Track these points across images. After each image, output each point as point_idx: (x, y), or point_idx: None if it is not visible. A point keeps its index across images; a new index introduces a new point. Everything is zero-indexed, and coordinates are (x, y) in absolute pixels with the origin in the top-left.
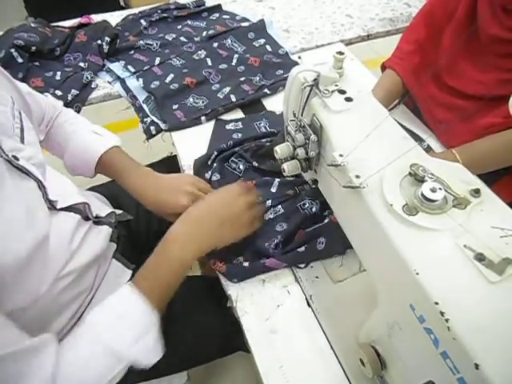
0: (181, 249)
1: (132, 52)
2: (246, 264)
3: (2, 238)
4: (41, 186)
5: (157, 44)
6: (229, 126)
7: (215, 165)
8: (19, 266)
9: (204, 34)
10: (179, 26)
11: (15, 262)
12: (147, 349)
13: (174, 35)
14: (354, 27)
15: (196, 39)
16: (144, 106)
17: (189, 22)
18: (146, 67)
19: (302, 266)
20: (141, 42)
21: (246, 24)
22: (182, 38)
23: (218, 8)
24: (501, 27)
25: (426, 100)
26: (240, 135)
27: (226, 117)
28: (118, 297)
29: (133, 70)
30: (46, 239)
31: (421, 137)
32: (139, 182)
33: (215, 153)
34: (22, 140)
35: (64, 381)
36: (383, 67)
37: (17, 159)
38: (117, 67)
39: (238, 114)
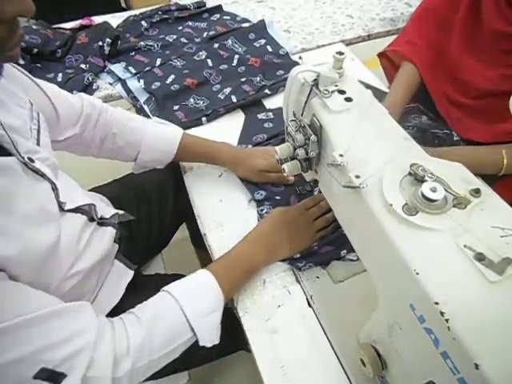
0: (253, 250)
1: (133, 53)
2: (297, 255)
3: (19, 236)
4: (54, 188)
5: (157, 45)
6: (260, 116)
7: None
8: (35, 264)
9: (205, 34)
10: (180, 27)
11: (32, 259)
12: (211, 326)
13: (174, 36)
14: (355, 27)
15: (197, 40)
16: (145, 106)
17: (189, 23)
18: (146, 68)
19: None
20: (141, 43)
21: (246, 25)
22: (182, 39)
23: (218, 9)
24: (505, 22)
25: (440, 97)
26: (271, 125)
27: (226, 117)
28: (195, 276)
29: (134, 71)
30: (58, 239)
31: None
32: (230, 155)
33: (250, 146)
34: (38, 142)
35: (135, 337)
36: (381, 55)
37: (32, 161)
38: (118, 68)
39: (239, 115)
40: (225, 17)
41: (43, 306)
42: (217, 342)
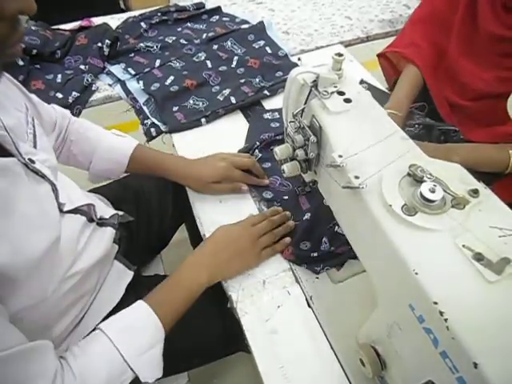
0: (194, 275)
1: (132, 54)
2: (314, 254)
3: (17, 239)
4: (54, 189)
5: (157, 46)
6: (266, 116)
7: (260, 155)
8: (32, 266)
9: (204, 36)
10: (179, 29)
11: (29, 261)
12: (152, 362)
13: (174, 37)
14: (354, 29)
15: (196, 41)
16: (144, 108)
17: (189, 25)
18: (146, 69)
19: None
20: (141, 44)
21: (245, 26)
22: (182, 41)
23: (217, 10)
24: (501, 25)
25: (441, 100)
26: (278, 124)
27: (225, 118)
28: (131, 309)
29: (133, 72)
30: (58, 240)
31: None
32: (179, 168)
33: (257, 143)
34: (35, 145)
35: (71, 380)
36: (381, 56)
37: (33, 162)
38: (117, 69)
39: (238, 116)
40: (224, 18)
41: (6, 347)
42: (159, 376)
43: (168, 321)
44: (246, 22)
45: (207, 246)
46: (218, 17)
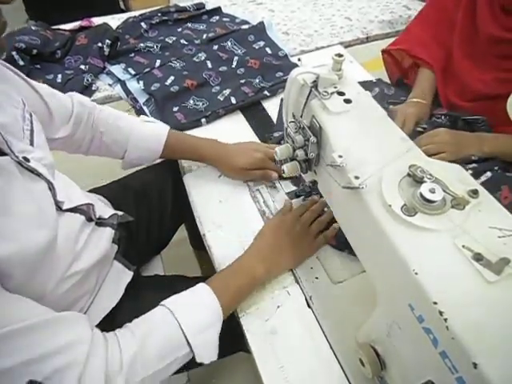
0: (252, 265)
1: (132, 55)
2: None
3: (12, 237)
4: (51, 187)
5: (157, 46)
6: None
7: None
8: (28, 264)
9: (204, 36)
10: (179, 29)
11: (25, 259)
12: (209, 342)
13: (174, 38)
14: (353, 29)
15: (196, 42)
16: (144, 108)
17: (189, 25)
18: (146, 70)
19: None
20: (141, 44)
21: (245, 26)
22: (182, 41)
23: (217, 11)
24: (500, 27)
25: (445, 101)
26: None
27: (225, 118)
28: (193, 290)
29: (133, 72)
30: (55, 239)
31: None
32: (215, 152)
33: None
34: (32, 142)
35: (128, 351)
36: (385, 52)
37: (27, 160)
38: (117, 70)
39: (238, 116)
40: (224, 18)
41: (32, 316)
42: (214, 358)
43: (226, 305)
44: (246, 22)
45: (263, 239)
46: (217, 17)
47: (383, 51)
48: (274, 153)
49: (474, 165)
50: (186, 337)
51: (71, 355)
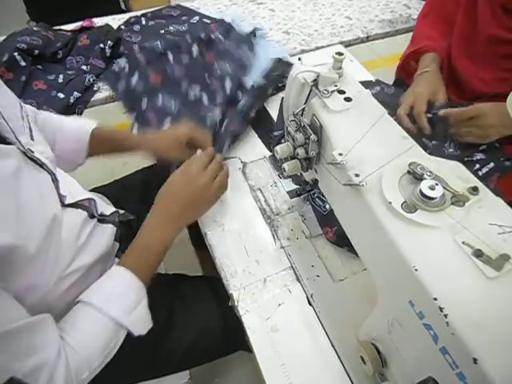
0: (157, 238)
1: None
2: None
3: (20, 222)
4: (54, 180)
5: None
6: None
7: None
8: (34, 250)
9: (188, 37)
10: (162, 31)
11: (29, 245)
12: (141, 317)
13: (158, 43)
14: (354, 29)
15: (182, 48)
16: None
17: (171, 28)
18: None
19: None
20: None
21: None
22: (167, 51)
23: (193, 12)
24: (500, 27)
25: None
26: None
27: None
28: (111, 276)
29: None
30: (59, 231)
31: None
32: (143, 138)
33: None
34: (32, 138)
35: (72, 353)
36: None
37: (32, 152)
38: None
39: None
40: (204, 19)
41: (11, 320)
42: (150, 325)
43: (146, 279)
44: (225, 22)
45: (162, 203)
46: (197, 17)
47: (399, 70)
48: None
49: (481, 155)
50: (120, 323)
51: (45, 354)
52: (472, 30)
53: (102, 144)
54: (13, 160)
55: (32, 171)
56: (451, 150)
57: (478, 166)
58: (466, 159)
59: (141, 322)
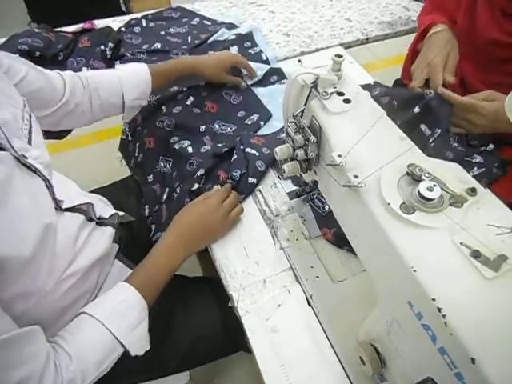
0: (169, 259)
1: (118, 62)
2: None
3: (9, 231)
4: (48, 185)
5: (143, 53)
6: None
7: None
8: (26, 256)
9: (189, 38)
10: (162, 32)
11: (21, 254)
12: (140, 337)
13: (159, 44)
14: (353, 31)
15: (183, 47)
16: None
17: (171, 30)
18: None
19: None
20: (126, 53)
21: (234, 32)
22: (167, 48)
23: (193, 13)
24: (500, 31)
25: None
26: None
27: None
28: (116, 290)
29: None
30: (54, 236)
31: None
32: (192, 58)
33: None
34: (30, 141)
35: (67, 362)
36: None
37: (25, 158)
38: None
39: None
40: (204, 21)
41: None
42: (148, 348)
43: (150, 299)
44: (225, 23)
45: (179, 227)
46: (198, 19)
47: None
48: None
49: (480, 158)
50: (118, 340)
51: (32, 367)
52: (471, 32)
53: (160, 77)
54: (3, 166)
55: (25, 177)
56: (456, 145)
57: (475, 169)
58: (465, 159)
59: (138, 343)
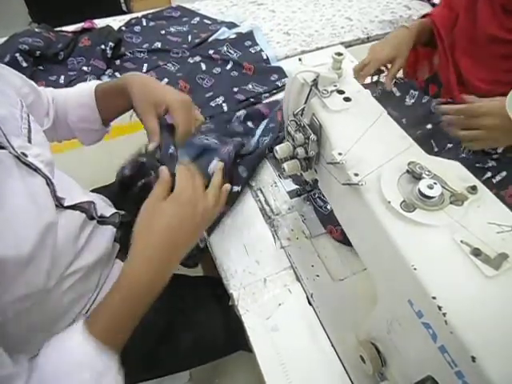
0: (145, 288)
1: (118, 62)
2: None
3: (7, 231)
4: (49, 183)
5: (144, 52)
6: None
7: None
8: (25, 257)
9: (189, 37)
10: (162, 31)
11: (20, 254)
12: None
13: (159, 43)
14: (354, 29)
15: (184, 45)
16: None
17: (172, 29)
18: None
19: None
20: (127, 52)
21: (234, 30)
22: (167, 47)
23: (193, 12)
24: (500, 28)
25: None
26: None
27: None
28: (68, 339)
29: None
30: (54, 235)
31: None
32: (137, 89)
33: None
34: (30, 140)
35: None
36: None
37: (25, 156)
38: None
39: None
40: (205, 20)
41: None
42: None
43: (120, 341)
44: (225, 23)
45: (154, 237)
46: (198, 18)
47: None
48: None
49: (493, 163)
50: None
51: None
52: (472, 28)
53: (108, 99)
54: (1, 165)
55: (24, 176)
56: (464, 156)
57: (489, 173)
58: (477, 165)
59: None
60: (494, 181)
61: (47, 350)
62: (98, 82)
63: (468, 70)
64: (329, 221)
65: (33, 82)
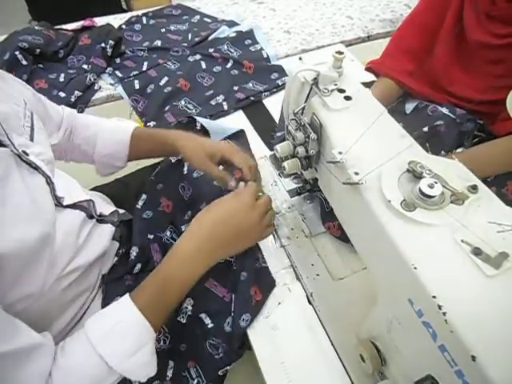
0: (187, 269)
1: (118, 60)
2: None
3: (8, 227)
4: (49, 182)
5: (144, 51)
6: None
7: None
8: (25, 256)
9: (189, 36)
10: (162, 30)
11: (21, 250)
12: (141, 363)
13: (159, 41)
14: (355, 28)
15: (184, 44)
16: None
17: (171, 28)
18: (134, 73)
19: None
20: (127, 50)
21: (234, 29)
22: (167, 45)
23: (194, 10)
24: (485, 33)
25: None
26: None
27: (227, 117)
28: (117, 306)
29: (120, 75)
30: (53, 232)
31: None
32: (182, 135)
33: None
34: (32, 138)
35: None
36: (371, 70)
37: (26, 154)
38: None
39: (240, 115)
40: (205, 19)
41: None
42: (152, 373)
43: (158, 321)
44: (226, 21)
45: (201, 228)
46: (198, 17)
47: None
48: (244, 156)
49: None
50: (112, 367)
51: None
52: (460, 38)
53: (141, 145)
54: (1, 163)
55: (24, 174)
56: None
57: None
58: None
59: (139, 370)
60: (489, 179)
61: (93, 316)
62: (136, 124)
63: (460, 81)
64: (328, 217)
65: (41, 96)
